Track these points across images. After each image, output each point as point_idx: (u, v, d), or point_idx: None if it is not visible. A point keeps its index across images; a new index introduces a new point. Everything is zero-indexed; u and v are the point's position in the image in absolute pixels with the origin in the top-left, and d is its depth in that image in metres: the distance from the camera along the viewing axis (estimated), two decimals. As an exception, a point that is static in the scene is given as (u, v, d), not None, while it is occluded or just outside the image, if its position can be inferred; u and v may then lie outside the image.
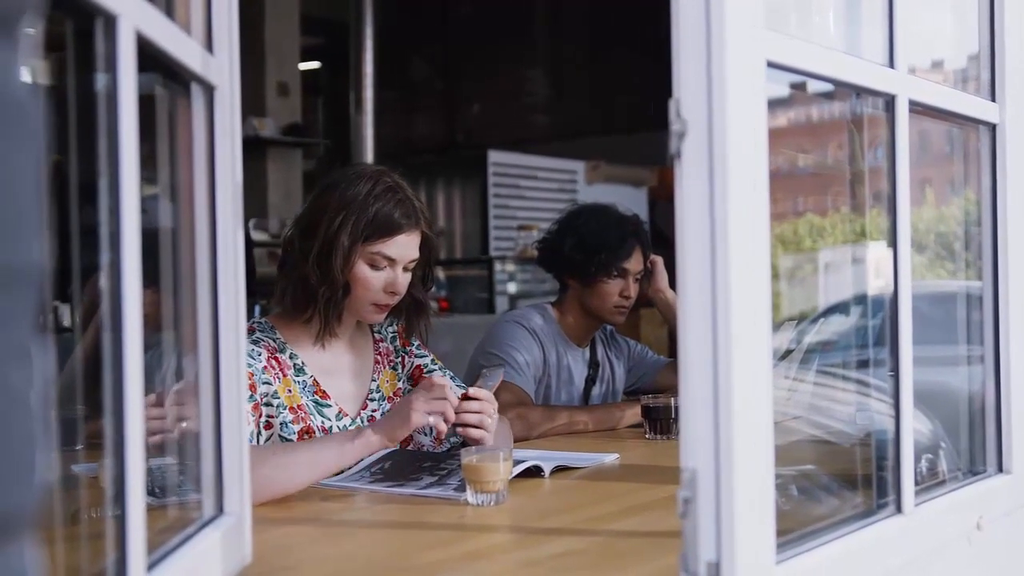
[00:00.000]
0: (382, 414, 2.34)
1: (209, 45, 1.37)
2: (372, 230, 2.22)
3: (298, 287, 2.25)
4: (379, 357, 2.43)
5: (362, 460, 2.13)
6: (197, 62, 1.30)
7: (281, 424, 2.19)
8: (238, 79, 1.43)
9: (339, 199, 2.22)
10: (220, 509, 1.39)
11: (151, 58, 1.14)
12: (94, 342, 1.51)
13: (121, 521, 1.03)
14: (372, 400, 2.37)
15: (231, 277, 1.40)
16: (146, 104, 1.11)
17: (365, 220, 2.20)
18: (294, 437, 2.19)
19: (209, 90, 1.37)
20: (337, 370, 2.33)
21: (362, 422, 2.31)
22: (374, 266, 2.24)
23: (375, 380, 2.39)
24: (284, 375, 2.23)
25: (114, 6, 1.01)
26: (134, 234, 1.04)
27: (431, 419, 2.05)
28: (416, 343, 2.50)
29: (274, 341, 2.25)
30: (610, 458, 2.37)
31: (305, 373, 2.27)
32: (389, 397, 2.40)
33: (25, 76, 0.59)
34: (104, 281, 1.02)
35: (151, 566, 1.11)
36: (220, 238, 1.39)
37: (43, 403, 0.59)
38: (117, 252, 1.02)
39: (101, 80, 1.04)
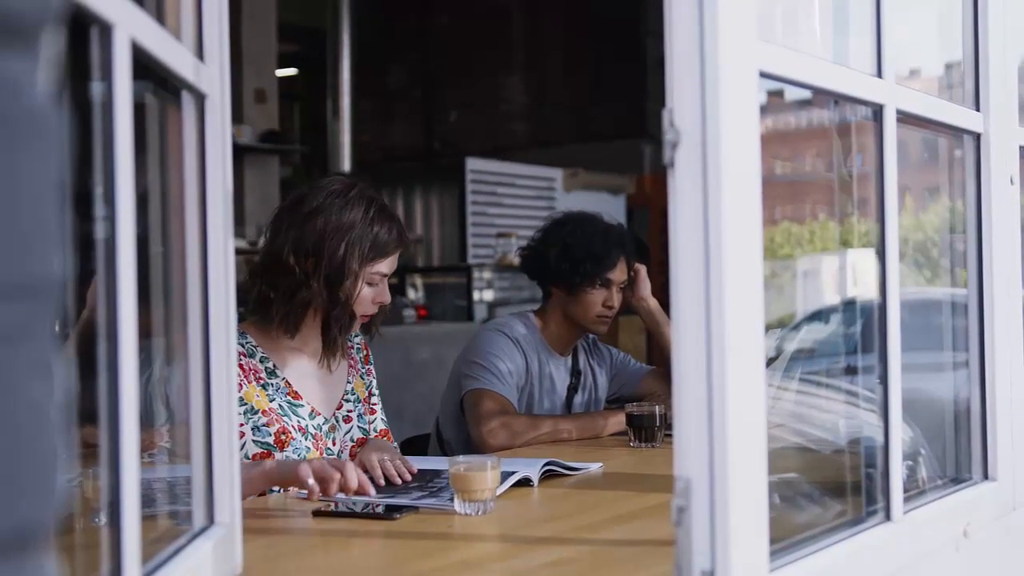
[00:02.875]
0: (358, 415, 2.43)
1: (200, 53, 1.37)
2: (376, 252, 2.30)
3: (300, 310, 2.28)
4: (352, 361, 2.49)
5: None
6: (189, 71, 1.30)
7: (254, 429, 2.22)
8: (228, 88, 1.43)
9: (336, 224, 2.26)
10: (211, 520, 1.38)
11: (143, 66, 1.14)
12: (78, 349, 1.50)
13: (116, 532, 1.02)
14: (348, 401, 2.44)
15: (222, 286, 1.39)
16: (135, 112, 1.10)
17: (370, 244, 2.28)
18: (270, 439, 2.24)
19: (200, 99, 1.36)
20: (312, 373, 2.38)
21: (337, 421, 2.39)
22: (370, 284, 2.32)
23: (350, 382, 2.46)
24: (250, 381, 2.26)
25: (110, 15, 1.00)
26: (129, 242, 1.03)
27: (311, 481, 1.92)
28: (366, 367, 2.55)
29: (243, 346, 2.27)
30: (595, 467, 2.38)
31: (277, 376, 2.31)
32: (363, 399, 2.48)
33: (45, 87, 0.59)
34: (100, 290, 1.02)
35: (145, 577, 1.10)
36: (211, 247, 1.38)
37: (62, 416, 0.58)
38: (112, 260, 1.02)
39: (96, 88, 1.04)
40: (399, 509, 1.90)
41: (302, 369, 2.36)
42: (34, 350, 0.56)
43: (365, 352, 2.56)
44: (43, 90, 0.59)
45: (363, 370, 2.52)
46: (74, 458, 1.35)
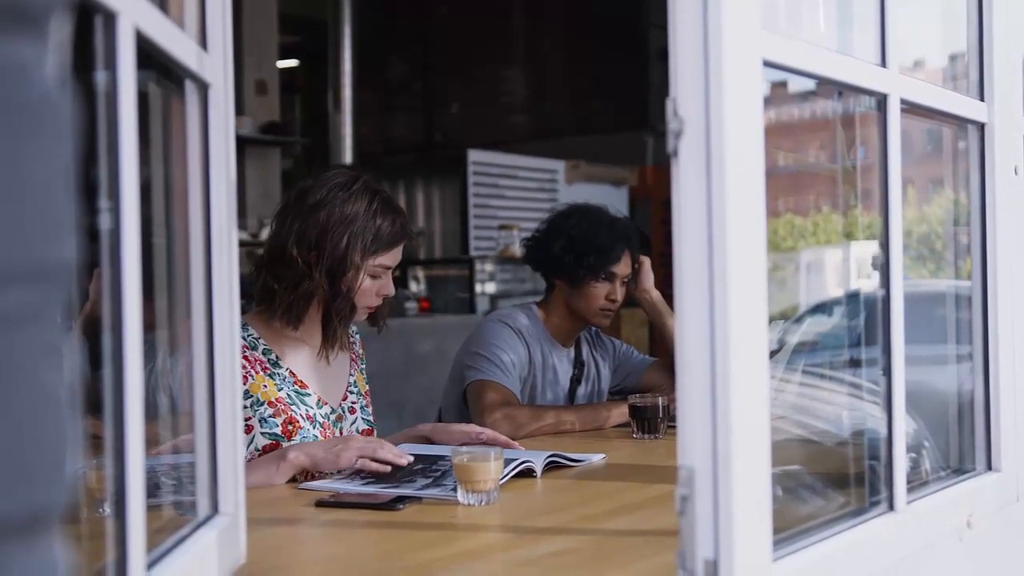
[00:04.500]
0: (360, 407, 2.47)
1: (203, 43, 1.37)
2: (379, 245, 2.31)
3: (303, 302, 2.30)
4: (354, 355, 2.52)
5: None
6: (193, 59, 1.29)
7: (261, 420, 2.24)
8: (231, 77, 1.42)
9: (340, 217, 2.28)
10: (215, 509, 1.38)
11: (147, 55, 1.14)
12: (81, 340, 1.50)
13: (121, 521, 1.02)
14: (351, 393, 2.46)
15: (225, 276, 1.39)
16: (140, 101, 1.10)
17: (372, 236, 2.30)
18: (278, 430, 2.26)
19: (203, 88, 1.36)
20: (315, 365, 2.40)
21: (343, 411, 2.42)
22: (374, 276, 2.33)
23: (352, 375, 2.49)
24: (256, 372, 2.27)
25: (114, 3, 1.00)
26: (134, 233, 1.03)
27: (358, 463, 2.10)
28: (363, 365, 2.58)
29: (245, 339, 2.28)
30: (597, 458, 2.38)
31: (281, 367, 2.33)
32: (364, 393, 2.51)
33: (55, 71, 0.59)
34: (105, 280, 1.02)
35: (149, 566, 1.10)
36: (214, 237, 1.38)
37: (73, 400, 0.58)
38: (117, 251, 1.02)
39: (100, 77, 1.03)
40: (403, 499, 1.90)
41: (305, 361, 2.38)
42: (45, 334, 0.56)
43: (361, 351, 2.58)
44: (52, 75, 0.59)
45: (361, 366, 2.55)
46: (81, 445, 1.35)
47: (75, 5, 0.84)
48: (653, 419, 2.67)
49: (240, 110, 7.57)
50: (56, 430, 0.57)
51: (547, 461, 2.21)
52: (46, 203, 0.57)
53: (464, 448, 1.99)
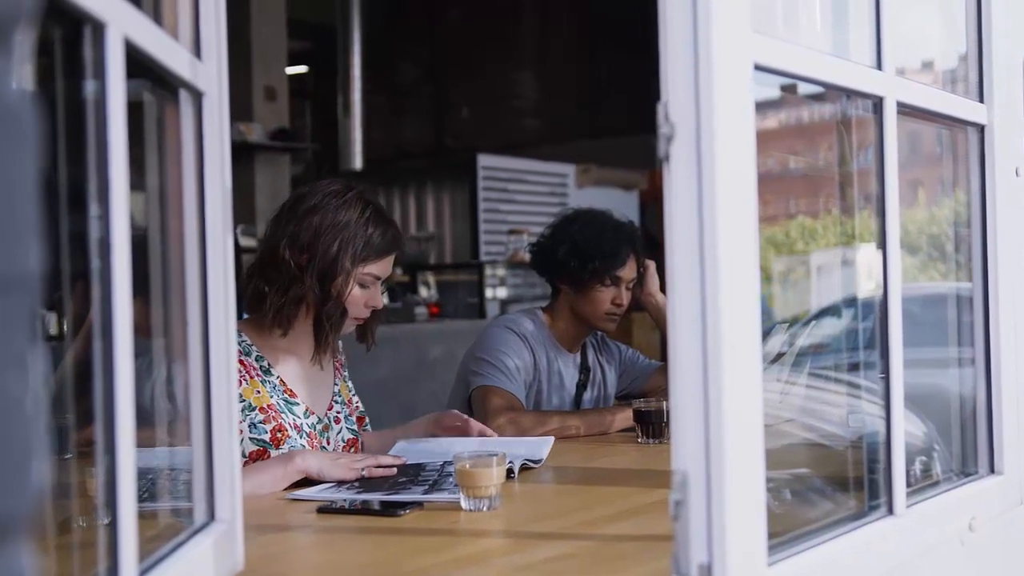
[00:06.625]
0: (344, 417, 2.49)
1: (197, 51, 1.37)
2: (369, 253, 2.33)
3: (293, 305, 2.31)
4: (338, 365, 2.54)
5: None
6: (186, 68, 1.30)
7: (251, 425, 2.26)
8: (227, 85, 1.43)
9: (332, 222, 2.30)
10: (212, 516, 1.38)
11: (139, 64, 1.14)
12: (83, 350, 1.51)
13: (113, 528, 1.02)
14: (336, 402, 2.49)
15: (221, 284, 1.40)
16: (133, 110, 1.11)
17: (363, 244, 2.31)
18: (267, 436, 2.27)
19: (198, 96, 1.37)
20: (302, 373, 2.41)
21: (329, 420, 2.44)
22: (363, 286, 2.35)
23: (336, 385, 2.51)
24: (251, 377, 2.30)
25: (102, 13, 1.01)
26: (124, 241, 1.04)
27: (365, 472, 2.17)
28: (346, 372, 2.59)
29: (239, 345, 2.29)
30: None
31: (272, 374, 2.35)
32: (347, 401, 2.53)
33: (20, 83, 0.59)
34: (95, 288, 1.02)
35: (143, 573, 1.11)
36: (210, 245, 1.38)
37: (39, 408, 0.59)
38: (107, 259, 1.02)
39: (89, 87, 1.04)
40: (404, 505, 1.90)
41: (294, 369, 2.40)
42: (11, 343, 0.56)
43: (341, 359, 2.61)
44: (17, 86, 0.59)
45: (345, 374, 2.57)
46: (60, 450, 1.36)
47: (60, 17, 0.85)
48: (657, 423, 2.66)
49: (249, 116, 7.58)
50: (22, 438, 0.57)
51: (522, 462, 2.25)
52: (11, 213, 0.57)
53: (466, 453, 1.98)
